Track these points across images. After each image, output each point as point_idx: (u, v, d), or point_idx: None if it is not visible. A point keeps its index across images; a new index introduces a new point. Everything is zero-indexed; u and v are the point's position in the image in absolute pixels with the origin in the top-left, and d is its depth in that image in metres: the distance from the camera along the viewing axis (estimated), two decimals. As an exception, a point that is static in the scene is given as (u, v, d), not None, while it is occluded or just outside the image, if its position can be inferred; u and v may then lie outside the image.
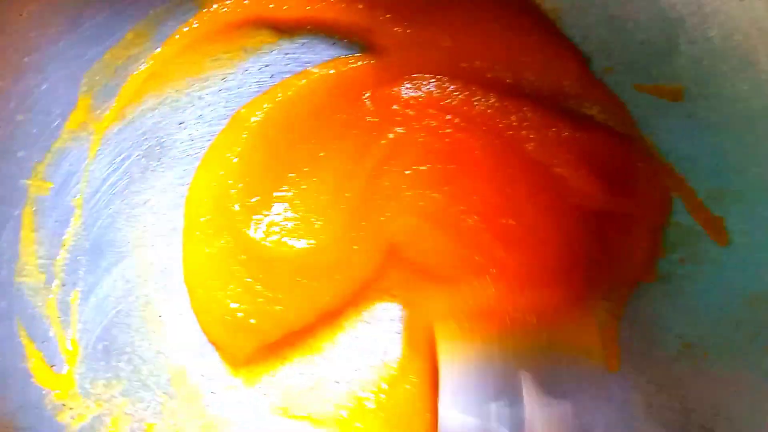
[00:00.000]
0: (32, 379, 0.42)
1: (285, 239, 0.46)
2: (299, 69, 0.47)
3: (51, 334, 0.44)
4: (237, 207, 0.46)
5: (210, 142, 0.47)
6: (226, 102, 0.47)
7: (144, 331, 0.46)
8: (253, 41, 0.47)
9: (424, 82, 0.46)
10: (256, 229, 0.46)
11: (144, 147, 0.47)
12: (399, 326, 0.48)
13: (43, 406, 0.43)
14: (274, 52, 0.47)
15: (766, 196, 0.40)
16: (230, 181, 0.46)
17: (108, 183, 0.46)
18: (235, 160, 0.46)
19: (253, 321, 0.45)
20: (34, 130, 0.42)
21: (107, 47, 0.44)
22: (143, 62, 0.46)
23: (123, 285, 0.46)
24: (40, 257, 0.43)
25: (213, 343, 0.47)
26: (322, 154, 0.47)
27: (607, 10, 0.43)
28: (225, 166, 0.47)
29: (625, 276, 0.46)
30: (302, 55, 0.47)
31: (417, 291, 0.47)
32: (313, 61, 0.47)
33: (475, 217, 0.45)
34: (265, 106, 0.47)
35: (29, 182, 0.43)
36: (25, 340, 0.42)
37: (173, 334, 0.47)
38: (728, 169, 0.41)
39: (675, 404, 0.43)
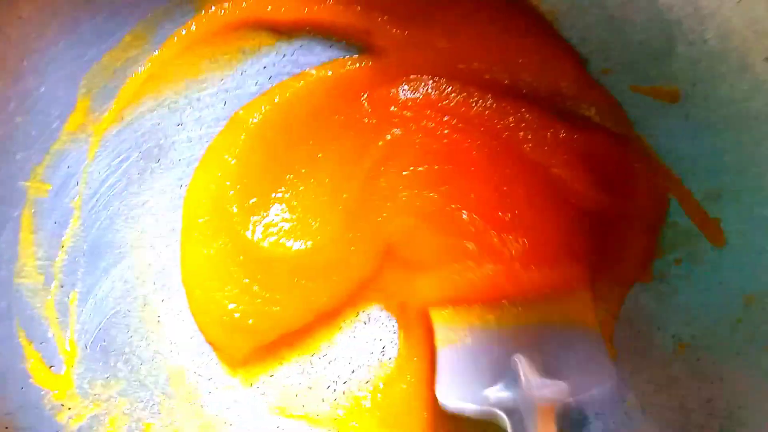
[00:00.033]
0: (31, 380, 0.43)
1: (283, 240, 0.46)
2: (297, 71, 0.47)
3: (50, 334, 0.44)
4: (235, 208, 0.46)
5: (208, 144, 0.47)
6: (224, 104, 0.47)
7: (142, 331, 0.47)
8: (251, 43, 0.47)
9: (422, 84, 0.46)
10: (254, 231, 0.46)
11: (142, 148, 0.47)
12: (396, 326, 0.48)
13: (41, 406, 0.43)
14: (272, 54, 0.48)
15: (762, 197, 0.40)
16: (228, 183, 0.46)
17: (107, 184, 0.46)
18: (233, 161, 0.47)
19: (250, 321, 0.45)
20: (33, 132, 0.42)
21: (106, 49, 0.44)
22: (142, 64, 0.46)
23: (121, 286, 0.46)
24: (39, 258, 0.43)
25: (211, 344, 0.47)
26: (319, 156, 0.47)
27: (605, 11, 0.43)
28: (223, 167, 0.47)
29: (621, 276, 0.46)
30: (300, 57, 0.48)
31: (411, 282, 0.46)
32: (311, 62, 0.47)
33: (473, 215, 0.45)
34: (263, 107, 0.47)
35: (28, 184, 0.43)
36: (23, 341, 0.42)
37: (171, 335, 0.47)
38: (725, 170, 0.41)
39: (674, 404, 0.43)
